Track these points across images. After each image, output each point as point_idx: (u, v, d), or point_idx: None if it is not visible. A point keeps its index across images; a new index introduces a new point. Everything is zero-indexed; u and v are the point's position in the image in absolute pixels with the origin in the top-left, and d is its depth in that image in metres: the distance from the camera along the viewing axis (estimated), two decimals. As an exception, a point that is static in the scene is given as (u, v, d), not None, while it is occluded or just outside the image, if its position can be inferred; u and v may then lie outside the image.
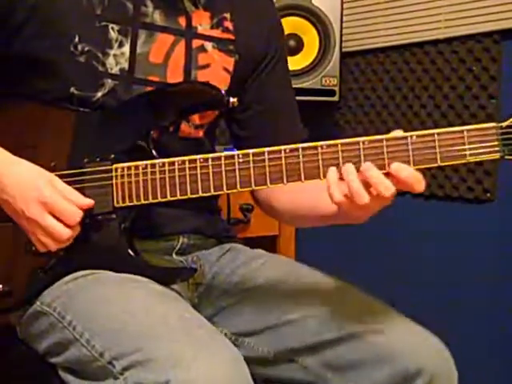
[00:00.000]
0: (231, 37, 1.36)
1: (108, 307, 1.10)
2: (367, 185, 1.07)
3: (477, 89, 2.24)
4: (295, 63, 2.35)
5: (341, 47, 2.41)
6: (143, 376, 0.98)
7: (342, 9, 2.41)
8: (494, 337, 2.25)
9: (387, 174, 1.07)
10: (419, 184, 1.07)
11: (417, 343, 1.18)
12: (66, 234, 1.15)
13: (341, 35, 2.40)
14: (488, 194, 2.23)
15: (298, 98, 1.52)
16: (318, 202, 1.25)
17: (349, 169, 1.08)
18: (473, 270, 2.28)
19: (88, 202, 1.17)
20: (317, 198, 1.24)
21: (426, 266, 2.38)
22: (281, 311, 1.27)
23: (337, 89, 2.41)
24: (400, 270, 2.42)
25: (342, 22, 2.41)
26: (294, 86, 1.53)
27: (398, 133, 1.09)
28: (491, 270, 2.24)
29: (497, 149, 1.06)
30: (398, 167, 1.07)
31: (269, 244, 2.19)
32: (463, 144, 1.06)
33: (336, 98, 2.43)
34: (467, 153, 1.06)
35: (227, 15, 1.36)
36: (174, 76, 1.29)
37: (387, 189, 1.06)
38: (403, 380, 1.16)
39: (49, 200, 1.13)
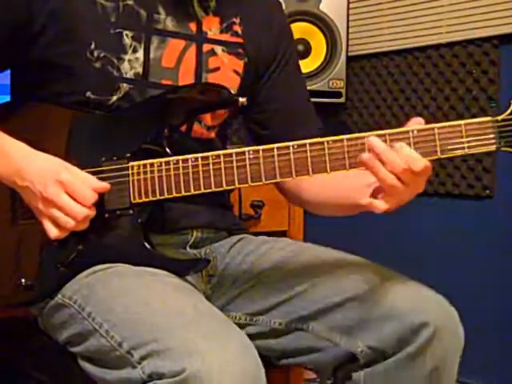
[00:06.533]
0: (240, 40, 1.39)
1: (126, 299, 1.12)
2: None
3: (477, 91, 2.28)
4: (303, 67, 2.30)
5: (347, 51, 2.45)
6: (160, 365, 1.01)
7: (348, 15, 2.45)
8: (494, 333, 2.27)
9: None
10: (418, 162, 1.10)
11: (421, 299, 1.21)
12: (82, 212, 1.16)
13: (347, 40, 2.44)
14: (487, 191, 2.26)
15: (306, 99, 1.55)
16: (351, 190, 1.25)
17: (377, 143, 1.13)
18: (473, 265, 2.30)
19: (103, 185, 1.19)
20: (351, 186, 1.24)
21: (427, 261, 2.41)
22: (290, 286, 1.30)
23: (343, 91, 2.45)
24: (402, 266, 2.44)
25: (348, 27, 2.45)
26: (302, 88, 1.55)
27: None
28: (491, 266, 2.27)
29: (493, 141, 1.11)
30: (399, 145, 1.11)
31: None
32: (461, 137, 1.11)
33: (342, 100, 2.47)
34: (465, 145, 1.11)
35: (236, 20, 1.39)
36: (186, 79, 1.32)
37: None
38: (409, 333, 1.18)
39: (66, 180, 1.16)
